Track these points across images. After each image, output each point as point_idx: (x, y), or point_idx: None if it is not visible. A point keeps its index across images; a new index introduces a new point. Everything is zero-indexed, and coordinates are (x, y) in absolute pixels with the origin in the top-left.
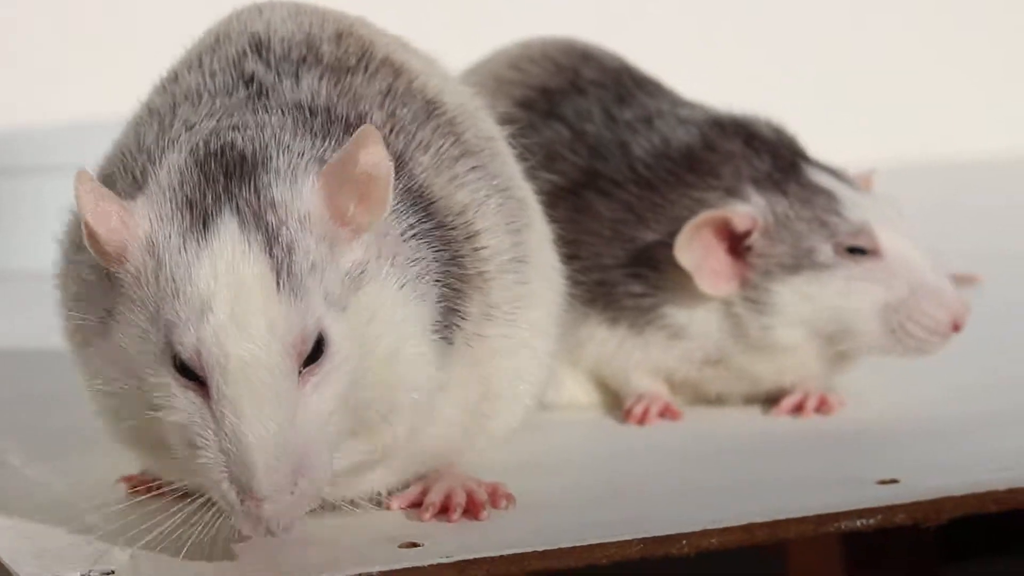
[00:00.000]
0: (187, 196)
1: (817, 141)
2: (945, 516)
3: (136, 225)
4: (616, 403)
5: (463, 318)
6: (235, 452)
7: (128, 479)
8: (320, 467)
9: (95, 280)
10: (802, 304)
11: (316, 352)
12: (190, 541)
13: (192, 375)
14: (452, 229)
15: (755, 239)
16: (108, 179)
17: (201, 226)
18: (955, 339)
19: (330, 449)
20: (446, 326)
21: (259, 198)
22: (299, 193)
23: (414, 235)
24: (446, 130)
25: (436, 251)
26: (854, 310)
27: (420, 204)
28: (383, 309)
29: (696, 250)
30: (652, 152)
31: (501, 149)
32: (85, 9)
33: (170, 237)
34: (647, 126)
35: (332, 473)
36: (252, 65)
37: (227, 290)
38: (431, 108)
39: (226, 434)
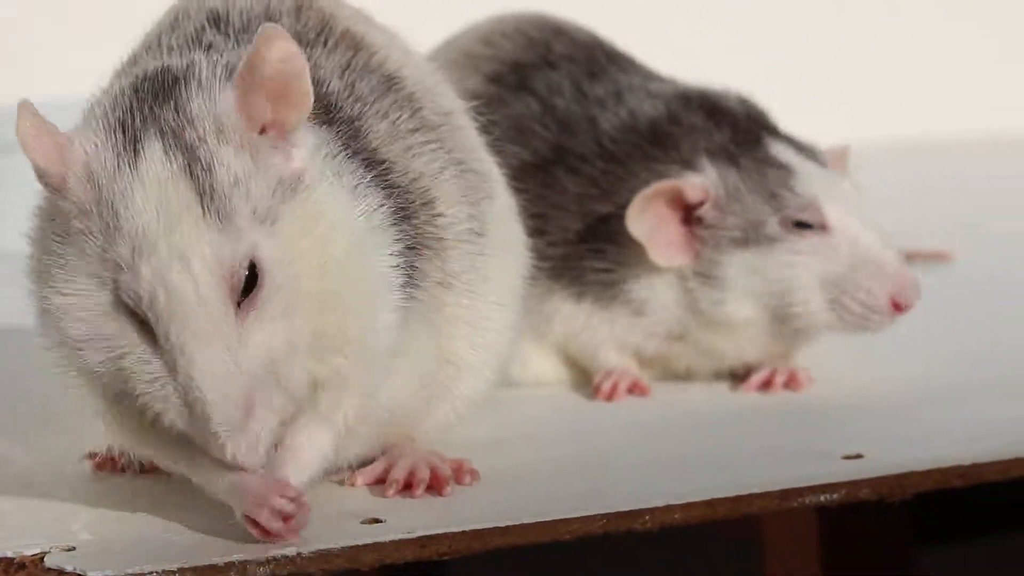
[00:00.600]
0: (119, 119)
1: (800, 120)
2: (910, 491)
3: (74, 154)
4: (584, 379)
5: (420, 281)
6: (185, 391)
7: (93, 455)
8: (275, 397)
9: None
10: (749, 278)
11: (252, 280)
12: (153, 518)
13: (136, 315)
14: (408, 192)
15: (706, 211)
16: None
17: (132, 150)
18: (924, 315)
19: (287, 376)
20: (404, 285)
21: (179, 114)
22: (213, 103)
23: (365, 180)
24: (404, 104)
25: (389, 207)
26: (795, 284)
27: (372, 164)
28: (324, 215)
29: (648, 221)
30: (618, 126)
31: (461, 123)
32: None
33: (104, 163)
34: (616, 100)
35: (295, 398)
36: (210, 37)
37: (156, 222)
38: (390, 83)
39: (175, 373)
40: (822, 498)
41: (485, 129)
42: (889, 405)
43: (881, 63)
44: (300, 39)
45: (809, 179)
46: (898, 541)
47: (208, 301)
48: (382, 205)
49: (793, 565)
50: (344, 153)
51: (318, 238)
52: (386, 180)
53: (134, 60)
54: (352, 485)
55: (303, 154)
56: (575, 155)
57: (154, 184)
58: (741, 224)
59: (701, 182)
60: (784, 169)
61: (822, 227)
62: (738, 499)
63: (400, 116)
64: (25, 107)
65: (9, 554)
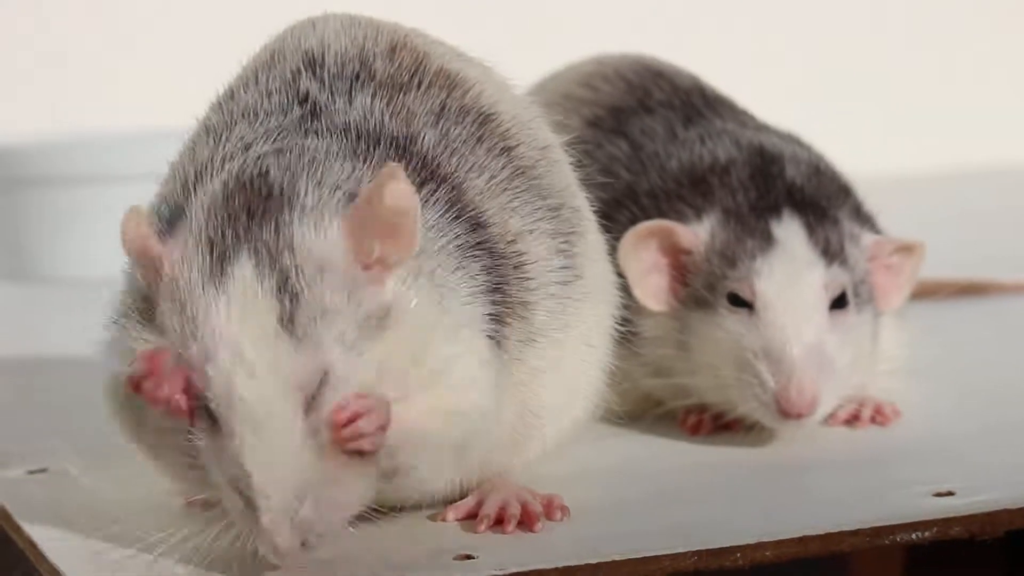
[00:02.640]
0: (210, 237)
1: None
2: (1000, 529)
3: (164, 266)
4: (669, 413)
5: (499, 344)
6: (240, 479)
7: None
8: (333, 497)
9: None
10: (696, 338)
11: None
12: (242, 554)
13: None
14: (501, 257)
15: (691, 260)
16: (164, 198)
17: (219, 269)
18: (1012, 349)
19: (351, 479)
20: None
21: (278, 238)
22: (320, 236)
23: (458, 246)
24: (500, 147)
25: (485, 276)
26: (711, 356)
27: (468, 222)
28: (415, 334)
29: (639, 258)
30: (681, 168)
31: (557, 157)
32: (140, 19)
33: (190, 280)
34: (700, 145)
35: (358, 503)
36: (307, 84)
37: (234, 335)
38: (485, 123)
39: (234, 465)
40: (913, 536)
41: (580, 165)
42: (981, 441)
43: (922, 91)
44: (393, 81)
45: (774, 256)
46: None
47: (269, 409)
48: (483, 282)
49: None
50: (439, 221)
51: (401, 365)
52: (486, 247)
53: (231, 95)
54: (443, 520)
55: (395, 284)
56: (638, 194)
57: (238, 301)
58: (703, 283)
59: (693, 230)
60: (763, 241)
61: (750, 305)
62: (829, 536)
63: (496, 166)
64: (131, 212)
65: None
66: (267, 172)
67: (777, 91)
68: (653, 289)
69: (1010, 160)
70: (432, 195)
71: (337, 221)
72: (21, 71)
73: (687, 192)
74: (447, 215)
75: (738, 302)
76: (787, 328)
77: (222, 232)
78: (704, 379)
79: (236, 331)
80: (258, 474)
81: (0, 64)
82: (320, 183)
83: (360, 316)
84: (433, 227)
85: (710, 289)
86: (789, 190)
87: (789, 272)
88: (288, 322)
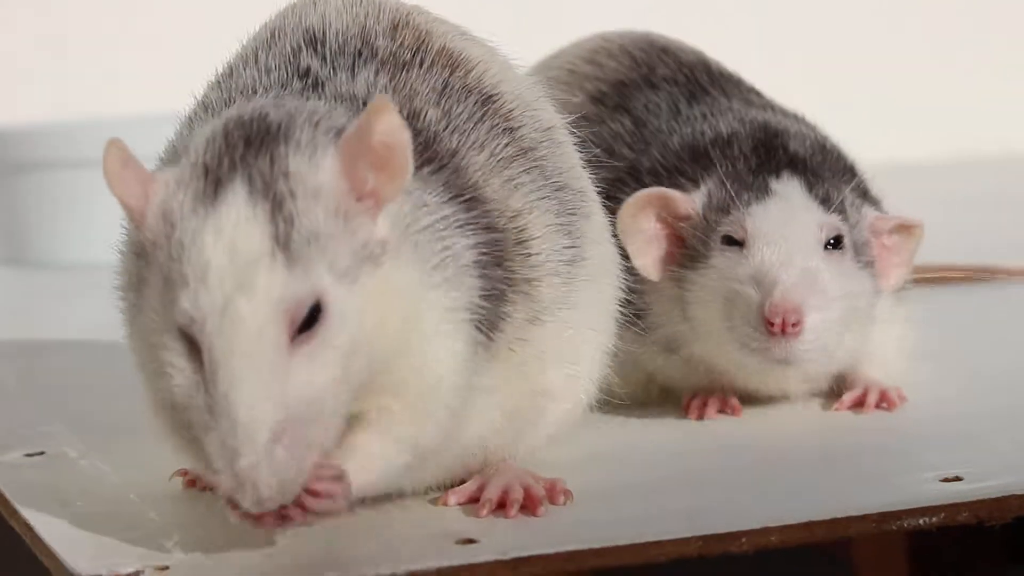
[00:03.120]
0: (205, 163)
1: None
2: (1010, 514)
3: (155, 190)
4: (673, 397)
5: (504, 321)
6: (220, 416)
7: (184, 472)
8: (309, 433)
9: (134, 254)
10: (694, 292)
11: (312, 320)
12: (246, 535)
13: (192, 341)
14: (501, 232)
15: (688, 225)
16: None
17: (212, 192)
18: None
19: (326, 420)
20: (486, 328)
21: (272, 167)
22: (315, 165)
23: (455, 224)
24: (503, 127)
25: (479, 249)
26: (701, 297)
27: (466, 199)
28: (401, 287)
29: (638, 228)
30: (681, 145)
31: (561, 139)
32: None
33: (183, 202)
34: (703, 121)
35: (325, 446)
36: (307, 60)
37: (223, 256)
38: (488, 103)
39: (212, 397)
40: (920, 521)
41: (584, 146)
42: (986, 426)
43: (928, 80)
44: (395, 59)
45: (770, 201)
46: (990, 562)
47: (261, 327)
48: (473, 260)
49: None
50: (439, 199)
51: (391, 302)
52: (483, 223)
53: (230, 72)
54: (445, 504)
55: (390, 223)
56: (642, 171)
57: (229, 224)
58: (699, 239)
59: (688, 197)
60: (759, 193)
61: (742, 243)
62: (835, 522)
63: (498, 144)
64: (113, 143)
65: (103, 573)
66: (266, 115)
67: (779, 79)
68: (652, 259)
69: (1017, 147)
70: (432, 175)
71: (331, 151)
72: (20, 55)
73: (687, 166)
74: (444, 194)
75: (731, 243)
76: (776, 254)
77: (217, 160)
78: (702, 336)
79: (228, 251)
80: (240, 403)
81: (3, 49)
82: (316, 124)
83: (354, 245)
84: (428, 204)
85: (704, 242)
86: (791, 159)
87: (783, 211)
88: (283, 244)
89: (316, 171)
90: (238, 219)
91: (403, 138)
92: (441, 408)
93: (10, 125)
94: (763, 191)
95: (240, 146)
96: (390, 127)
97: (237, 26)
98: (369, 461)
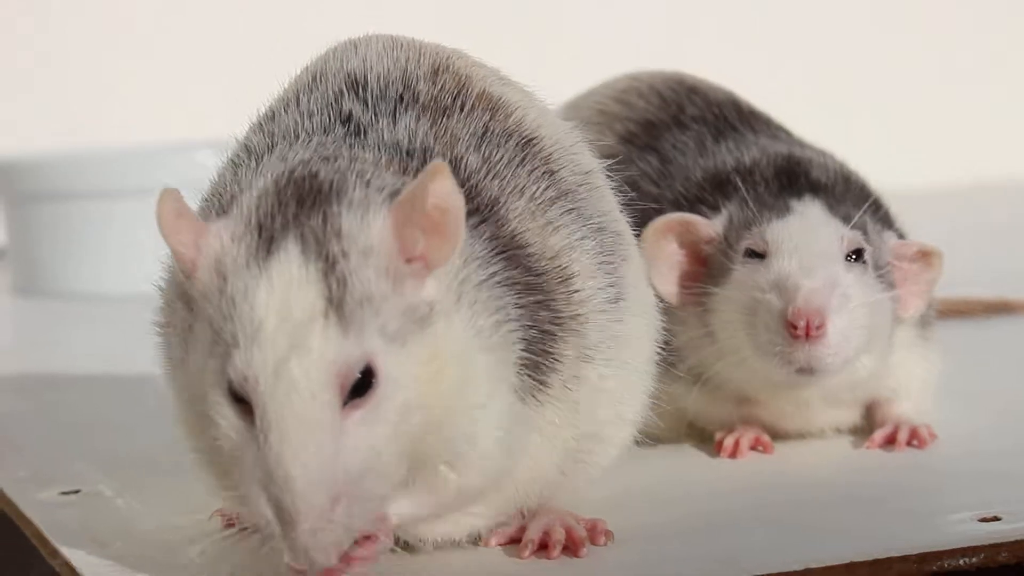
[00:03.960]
0: (259, 220)
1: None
2: None
3: (208, 244)
4: (707, 436)
5: (558, 360)
6: (273, 478)
7: (223, 512)
8: (362, 500)
9: (181, 301)
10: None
11: (364, 385)
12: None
13: (242, 399)
14: (543, 274)
15: (710, 249)
16: (204, 213)
17: (266, 250)
18: None
19: (378, 483)
20: (539, 369)
21: (325, 226)
22: (367, 225)
23: (498, 282)
24: (542, 170)
25: (524, 297)
26: (726, 310)
27: (509, 250)
28: (450, 349)
29: (660, 253)
30: (705, 176)
31: (599, 183)
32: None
33: (236, 258)
34: (728, 154)
35: (381, 507)
36: (349, 104)
37: (276, 317)
38: (527, 147)
39: (266, 459)
40: (961, 562)
41: (618, 188)
42: (1019, 463)
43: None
44: (436, 104)
45: (791, 217)
46: None
47: (314, 390)
48: (521, 309)
49: None
50: (487, 252)
51: (441, 365)
52: (527, 267)
53: (272, 116)
54: (487, 545)
55: (439, 284)
56: (665, 203)
57: (282, 283)
58: (721, 258)
59: (710, 222)
60: (780, 211)
61: (764, 254)
62: (876, 563)
63: (538, 188)
64: (168, 192)
65: None
66: (317, 173)
67: (790, 107)
68: (674, 284)
69: None
70: (476, 227)
71: (383, 212)
72: (38, 89)
73: (708, 195)
74: (489, 247)
75: (753, 255)
76: (798, 261)
77: (271, 217)
78: (726, 353)
79: (281, 310)
80: (296, 471)
81: (18, 82)
82: (368, 184)
83: (403, 307)
84: (476, 259)
85: (726, 259)
86: (813, 185)
87: (804, 224)
88: (336, 306)
89: (368, 231)
90: (291, 278)
91: (457, 203)
92: (490, 464)
93: (25, 156)
94: (784, 209)
95: (292, 204)
96: (445, 191)
97: (243, 57)
98: (411, 512)
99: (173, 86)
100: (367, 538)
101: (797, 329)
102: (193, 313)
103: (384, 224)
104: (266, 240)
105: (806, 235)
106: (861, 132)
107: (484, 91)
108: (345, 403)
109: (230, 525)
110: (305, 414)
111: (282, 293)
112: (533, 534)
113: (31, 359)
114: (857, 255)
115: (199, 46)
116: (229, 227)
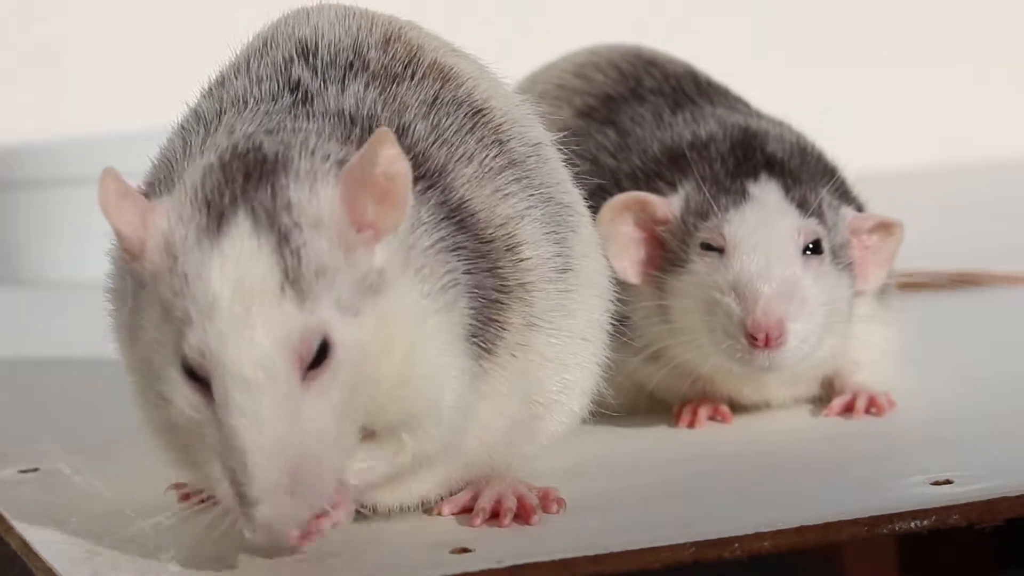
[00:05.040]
0: (206, 196)
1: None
2: (1000, 517)
3: (155, 223)
4: (664, 406)
5: (504, 328)
6: (232, 453)
7: (179, 487)
8: (321, 472)
9: (127, 276)
10: (674, 299)
11: (321, 356)
12: (241, 548)
13: (198, 376)
14: (491, 242)
15: (667, 230)
16: (153, 185)
17: (215, 226)
18: (1008, 336)
19: (335, 454)
20: (486, 336)
21: (275, 200)
22: (316, 196)
23: (446, 247)
24: (491, 139)
25: (470, 263)
26: (682, 304)
27: (456, 216)
28: (401, 316)
29: (616, 232)
30: (662, 149)
31: (549, 155)
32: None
33: (185, 236)
34: (684, 126)
35: (338, 479)
36: (299, 71)
37: (231, 291)
38: (477, 116)
39: (225, 434)
40: (912, 524)
41: (571, 162)
42: (975, 430)
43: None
44: (387, 72)
45: (747, 207)
46: (980, 565)
47: (273, 364)
48: (468, 275)
49: None
50: (434, 218)
51: (392, 332)
52: (474, 234)
53: (221, 81)
54: (439, 514)
55: (388, 251)
56: (622, 177)
57: (235, 258)
58: (677, 243)
59: (666, 200)
60: (736, 197)
61: (721, 249)
62: (828, 526)
63: (487, 156)
64: (108, 173)
65: None
66: (261, 145)
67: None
68: (631, 262)
69: (1001, 154)
70: (423, 193)
71: (331, 183)
72: (13, 73)
73: (665, 170)
74: (436, 213)
75: (709, 249)
76: (756, 263)
77: (219, 193)
78: (684, 342)
79: (235, 286)
80: (256, 446)
81: None
82: (313, 154)
83: (355, 277)
84: (422, 224)
85: (683, 246)
86: (769, 161)
87: (760, 217)
88: (292, 279)
89: (318, 201)
90: (244, 253)
91: (404, 169)
92: (445, 427)
93: (2, 143)
94: (740, 195)
95: (240, 179)
96: (391, 158)
97: (229, 40)
98: (370, 468)
99: (156, 72)
100: (326, 512)
101: (757, 340)
102: (141, 290)
103: (333, 194)
104: (216, 216)
105: (763, 231)
106: (838, 111)
107: (436, 61)
108: (304, 376)
109: (185, 498)
110: (264, 388)
111: (236, 268)
112: (484, 502)
113: (1, 345)
114: (814, 247)
115: (183, 31)
116: (176, 205)
